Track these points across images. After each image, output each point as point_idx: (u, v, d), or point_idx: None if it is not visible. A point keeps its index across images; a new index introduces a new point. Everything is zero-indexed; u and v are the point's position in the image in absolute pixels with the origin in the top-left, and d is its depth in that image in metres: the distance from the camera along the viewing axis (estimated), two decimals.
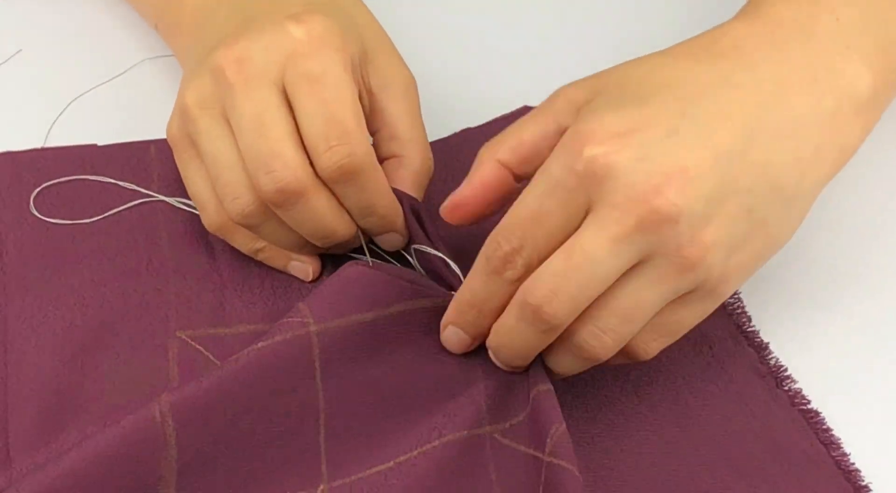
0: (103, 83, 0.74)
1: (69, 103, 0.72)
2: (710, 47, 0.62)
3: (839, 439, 0.62)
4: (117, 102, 0.73)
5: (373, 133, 0.65)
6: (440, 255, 0.63)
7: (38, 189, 0.67)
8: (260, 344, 0.57)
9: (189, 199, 0.66)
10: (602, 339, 0.57)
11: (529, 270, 0.57)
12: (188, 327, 0.63)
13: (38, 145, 0.70)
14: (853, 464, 0.61)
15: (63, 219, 0.66)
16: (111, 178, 0.68)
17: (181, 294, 0.64)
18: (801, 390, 0.64)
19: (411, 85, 0.66)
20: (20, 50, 0.76)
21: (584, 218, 0.56)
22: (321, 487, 0.57)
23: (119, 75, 0.74)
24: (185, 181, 0.64)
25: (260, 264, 0.66)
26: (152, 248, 0.66)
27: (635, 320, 0.57)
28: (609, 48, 0.76)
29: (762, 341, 0.66)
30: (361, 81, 0.64)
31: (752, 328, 0.66)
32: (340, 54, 0.61)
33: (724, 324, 0.66)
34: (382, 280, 0.61)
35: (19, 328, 0.62)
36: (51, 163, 0.68)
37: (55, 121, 0.71)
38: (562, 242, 0.57)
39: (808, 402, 0.64)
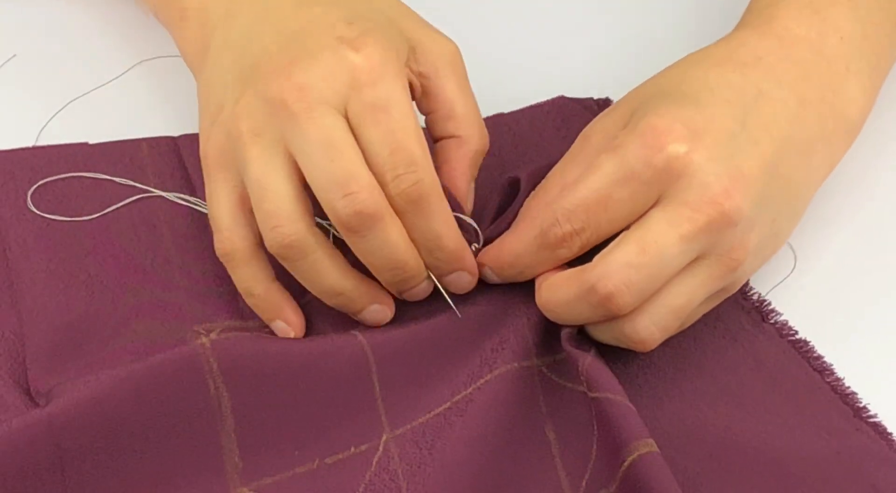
0: (101, 86, 0.74)
1: (64, 105, 0.72)
2: (732, 56, 0.64)
3: (831, 365, 0.64)
4: (111, 106, 0.73)
5: (428, 114, 0.65)
6: (471, 222, 0.63)
7: (34, 186, 0.67)
8: None
9: (189, 194, 0.67)
10: (653, 333, 0.59)
11: (582, 250, 0.59)
12: (205, 320, 0.63)
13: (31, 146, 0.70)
14: (848, 387, 0.63)
15: (61, 216, 0.66)
16: (106, 175, 0.68)
17: (191, 289, 0.64)
18: (786, 321, 0.65)
19: (457, 57, 0.64)
20: (14, 55, 0.76)
21: (650, 208, 0.58)
22: (384, 437, 0.58)
23: (116, 78, 0.74)
24: (209, 200, 0.61)
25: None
26: (155, 244, 0.66)
27: (682, 316, 0.60)
28: (611, 47, 0.78)
29: None
30: (411, 71, 0.63)
31: None
32: (400, 79, 0.59)
33: None
34: None
35: (35, 320, 0.62)
36: (44, 161, 0.68)
37: (48, 122, 0.71)
38: (622, 229, 0.58)
39: (796, 333, 0.65)
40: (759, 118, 0.61)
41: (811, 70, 0.64)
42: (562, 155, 0.64)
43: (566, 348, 0.60)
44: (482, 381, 0.60)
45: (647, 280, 0.57)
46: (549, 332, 0.62)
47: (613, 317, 0.59)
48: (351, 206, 0.57)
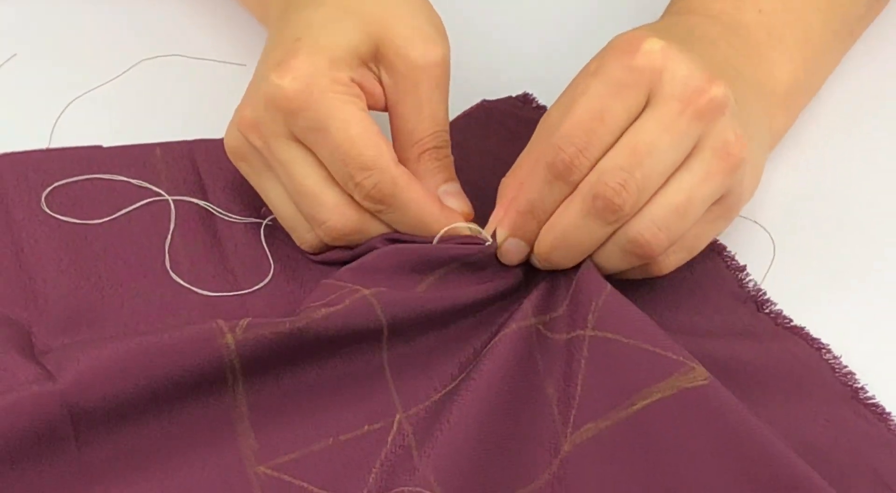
0: (102, 85, 0.74)
1: (70, 103, 0.73)
2: (668, 30, 0.66)
3: (829, 346, 0.64)
4: (112, 105, 0.74)
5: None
6: (469, 226, 0.64)
7: (49, 188, 0.67)
8: (323, 311, 0.59)
9: (200, 199, 0.68)
10: (658, 235, 0.60)
11: (590, 168, 0.60)
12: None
13: (40, 147, 0.70)
14: (846, 366, 0.63)
15: (73, 218, 0.67)
16: (120, 177, 0.69)
17: (200, 295, 0.65)
18: (781, 311, 0.66)
19: (425, 72, 0.63)
20: (14, 55, 0.76)
21: (642, 111, 0.59)
22: (397, 416, 0.60)
23: (117, 77, 0.75)
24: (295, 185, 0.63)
25: (272, 262, 0.67)
26: (166, 248, 0.66)
27: (688, 217, 0.60)
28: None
29: (738, 262, 0.68)
30: (376, 78, 0.64)
31: (728, 253, 0.68)
32: (329, 93, 0.60)
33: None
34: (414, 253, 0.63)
35: (45, 320, 0.63)
36: (56, 163, 0.68)
37: (56, 121, 0.72)
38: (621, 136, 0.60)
39: (791, 321, 0.65)
40: (707, 54, 0.63)
41: (734, 40, 0.67)
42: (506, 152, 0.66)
43: (581, 281, 0.61)
44: (485, 350, 0.61)
45: (643, 177, 0.59)
46: (547, 296, 0.63)
47: (619, 222, 0.60)
48: (329, 233, 0.63)
